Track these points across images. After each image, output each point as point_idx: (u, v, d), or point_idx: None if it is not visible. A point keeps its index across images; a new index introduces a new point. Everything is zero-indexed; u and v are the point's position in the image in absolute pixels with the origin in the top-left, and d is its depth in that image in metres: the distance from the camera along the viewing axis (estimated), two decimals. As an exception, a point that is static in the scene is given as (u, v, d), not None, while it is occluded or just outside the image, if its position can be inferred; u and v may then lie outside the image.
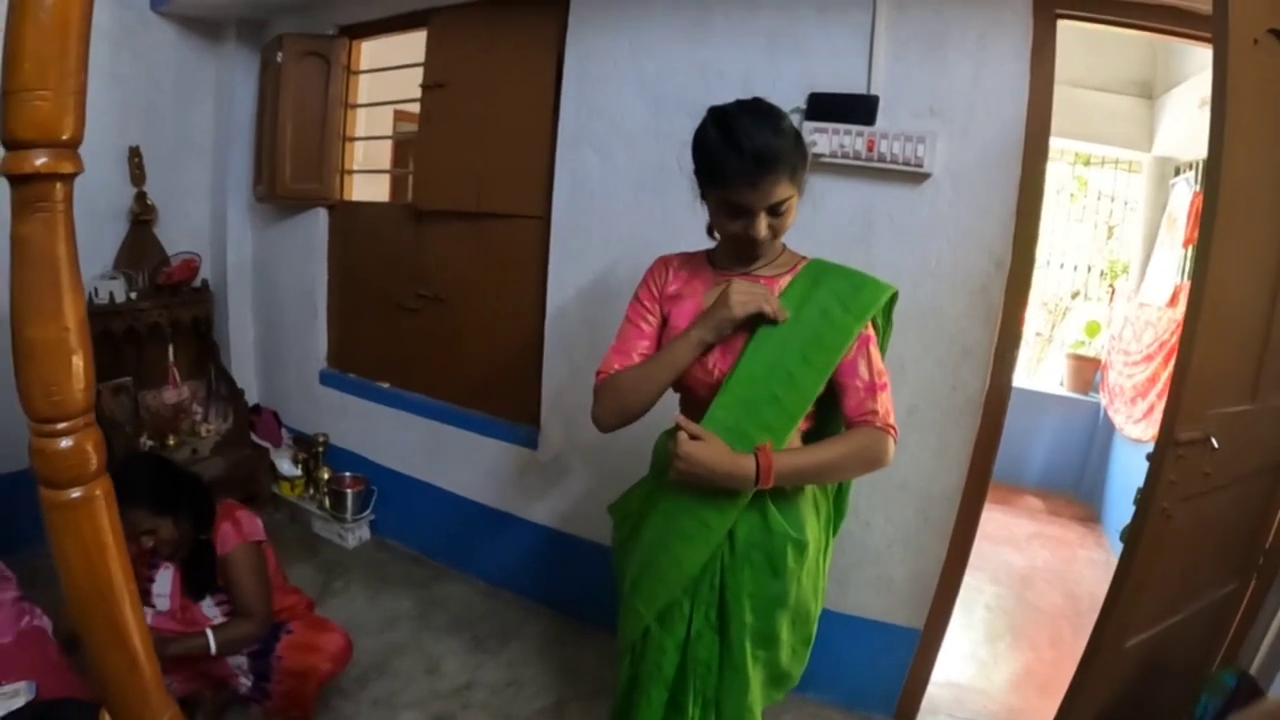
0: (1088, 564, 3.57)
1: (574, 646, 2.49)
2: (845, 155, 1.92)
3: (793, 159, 1.20)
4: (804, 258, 1.38)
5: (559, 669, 2.38)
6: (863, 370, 1.29)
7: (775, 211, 1.23)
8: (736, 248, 1.32)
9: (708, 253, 1.43)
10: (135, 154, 2.97)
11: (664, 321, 1.41)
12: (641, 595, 1.42)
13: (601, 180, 2.35)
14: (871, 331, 1.32)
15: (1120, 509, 3.77)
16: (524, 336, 2.65)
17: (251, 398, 3.52)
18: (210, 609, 2.05)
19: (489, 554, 2.88)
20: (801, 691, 2.18)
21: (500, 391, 2.82)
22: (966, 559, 2.11)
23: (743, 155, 1.17)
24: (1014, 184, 1.86)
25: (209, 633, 1.90)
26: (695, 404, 1.35)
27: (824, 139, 1.90)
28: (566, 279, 2.48)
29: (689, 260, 1.43)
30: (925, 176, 1.92)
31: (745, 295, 1.26)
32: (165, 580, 2.04)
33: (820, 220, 1.93)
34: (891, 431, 1.28)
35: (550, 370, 2.58)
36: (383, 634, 2.51)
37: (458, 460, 2.91)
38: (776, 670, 1.43)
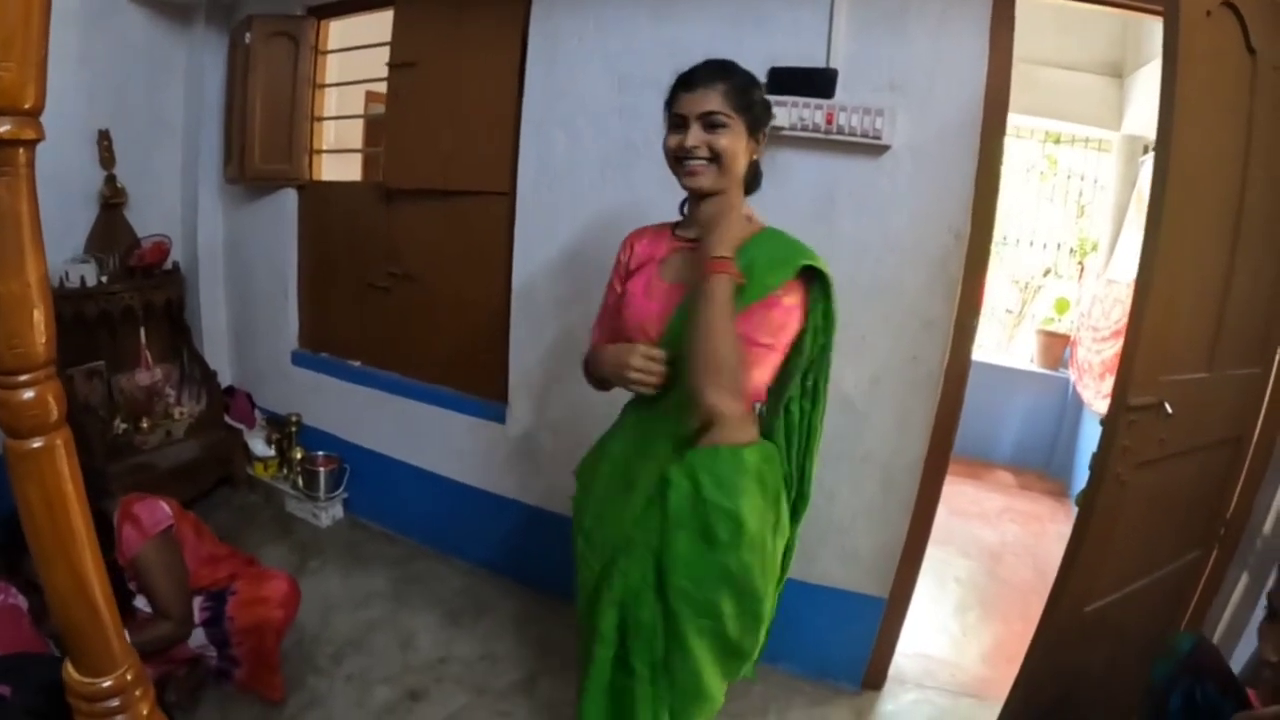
0: (1058, 539, 3.57)
1: (547, 621, 2.52)
2: (805, 128, 1.94)
3: (740, 87, 1.29)
4: (764, 227, 1.36)
5: (532, 643, 2.41)
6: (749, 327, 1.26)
7: (711, 124, 1.27)
8: (677, 171, 1.33)
9: (675, 223, 1.46)
10: (105, 137, 2.93)
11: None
12: (593, 544, 1.45)
13: (568, 158, 2.36)
14: (793, 303, 1.29)
15: (1089, 483, 3.85)
16: (491, 313, 2.67)
17: (225, 379, 3.51)
18: (144, 609, 1.96)
19: (463, 531, 2.90)
20: (770, 662, 2.24)
21: (469, 368, 2.83)
22: (929, 529, 2.16)
23: (691, 71, 1.31)
24: (973, 157, 1.88)
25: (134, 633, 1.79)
26: None
27: (784, 112, 1.91)
28: (532, 255, 2.49)
29: (655, 232, 1.48)
30: (884, 149, 1.94)
31: (636, 373, 1.29)
32: None
33: (784, 196, 1.94)
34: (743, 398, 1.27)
35: (517, 346, 2.60)
36: (357, 611, 2.53)
37: (429, 437, 2.93)
38: (724, 641, 1.37)
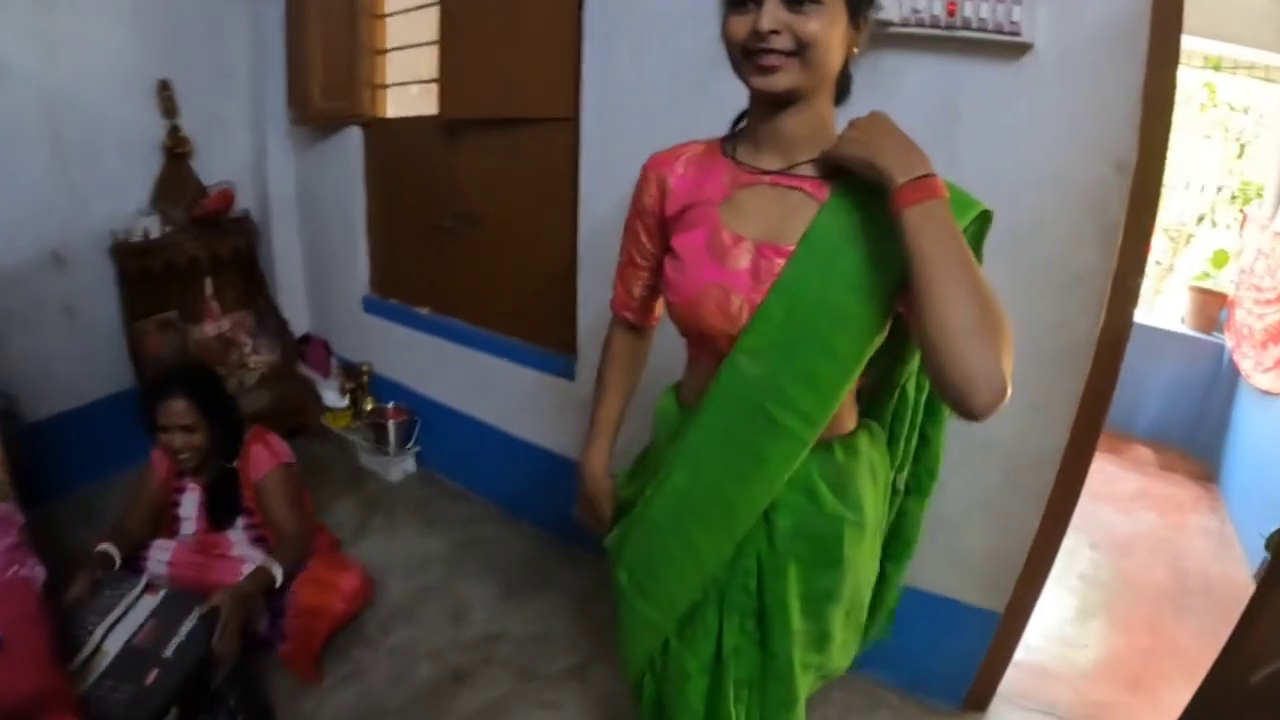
0: (1199, 533, 3.11)
1: (610, 601, 2.28)
2: (919, 21, 1.51)
3: None
4: None
5: (592, 625, 2.21)
6: None
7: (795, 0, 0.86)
8: (742, 68, 0.93)
9: (723, 140, 1.07)
10: (165, 86, 2.83)
11: (669, 247, 1.08)
12: (652, 598, 1.14)
13: (636, 76, 2.04)
14: None
15: (1243, 468, 3.30)
16: (559, 257, 2.41)
17: (302, 327, 3.45)
18: (237, 534, 2.04)
19: (530, 493, 2.72)
20: (855, 668, 1.95)
21: (537, 317, 2.61)
22: (1061, 534, 1.76)
23: None
24: (1140, 63, 1.43)
25: (270, 565, 1.89)
26: (709, 357, 1.04)
27: (893, 2, 1.51)
28: (600, 190, 2.21)
29: (697, 159, 1.07)
30: (1023, 50, 1.50)
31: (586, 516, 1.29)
32: (191, 503, 2.04)
33: (892, 111, 1.58)
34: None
35: (586, 294, 2.34)
36: (413, 576, 2.40)
37: (496, 391, 2.74)
38: (827, 671, 1.17)
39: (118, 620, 1.66)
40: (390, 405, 3.06)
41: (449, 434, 2.97)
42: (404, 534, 2.65)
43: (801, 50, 0.88)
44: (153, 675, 1.56)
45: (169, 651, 1.61)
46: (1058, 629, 2.36)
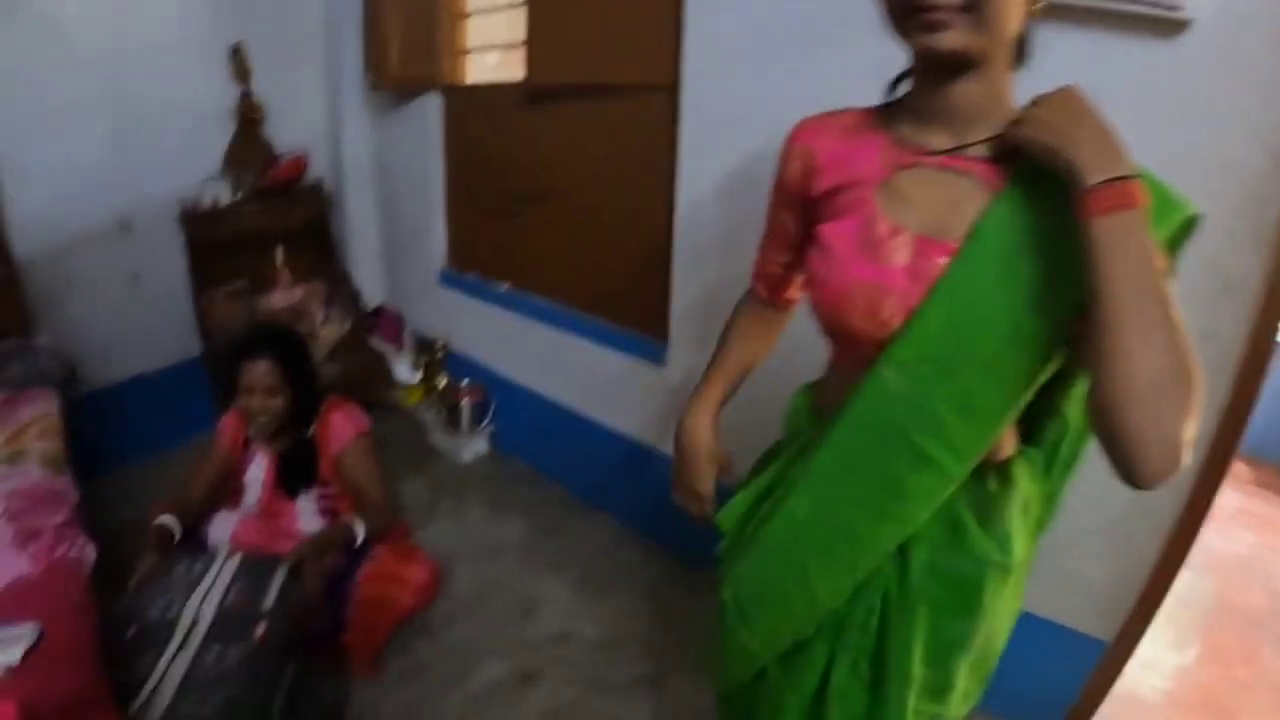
0: (1299, 557, 2.83)
1: (691, 604, 2.17)
2: None
3: None
4: None
5: (668, 628, 2.10)
6: None
7: None
8: (902, 26, 0.76)
9: (878, 111, 0.91)
10: (237, 51, 2.79)
11: (811, 230, 0.93)
12: (755, 629, 1.02)
13: (744, 40, 1.84)
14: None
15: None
16: (652, 237, 2.26)
17: (375, 299, 3.42)
18: (305, 504, 1.99)
19: (611, 484, 2.61)
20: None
21: (626, 299, 2.47)
22: (1181, 563, 1.57)
23: None
24: None
25: (354, 521, 1.89)
26: (853, 362, 0.90)
27: None
28: (701, 165, 2.03)
29: (849, 130, 0.91)
30: (1181, 26, 1.28)
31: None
32: (258, 473, 2.00)
33: (1031, 90, 1.36)
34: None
35: (683, 278, 2.19)
36: (482, 565, 2.34)
37: (579, 374, 2.62)
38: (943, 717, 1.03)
39: (206, 592, 1.64)
40: (464, 383, 2.99)
41: (525, 415, 2.89)
42: (474, 519, 2.59)
43: (974, 5, 0.71)
44: (260, 629, 1.54)
45: (268, 604, 1.60)
46: (1152, 654, 2.16)
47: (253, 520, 1.95)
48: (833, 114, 0.94)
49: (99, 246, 2.63)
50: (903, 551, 0.91)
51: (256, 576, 1.68)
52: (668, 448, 2.25)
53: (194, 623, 1.55)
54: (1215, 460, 1.48)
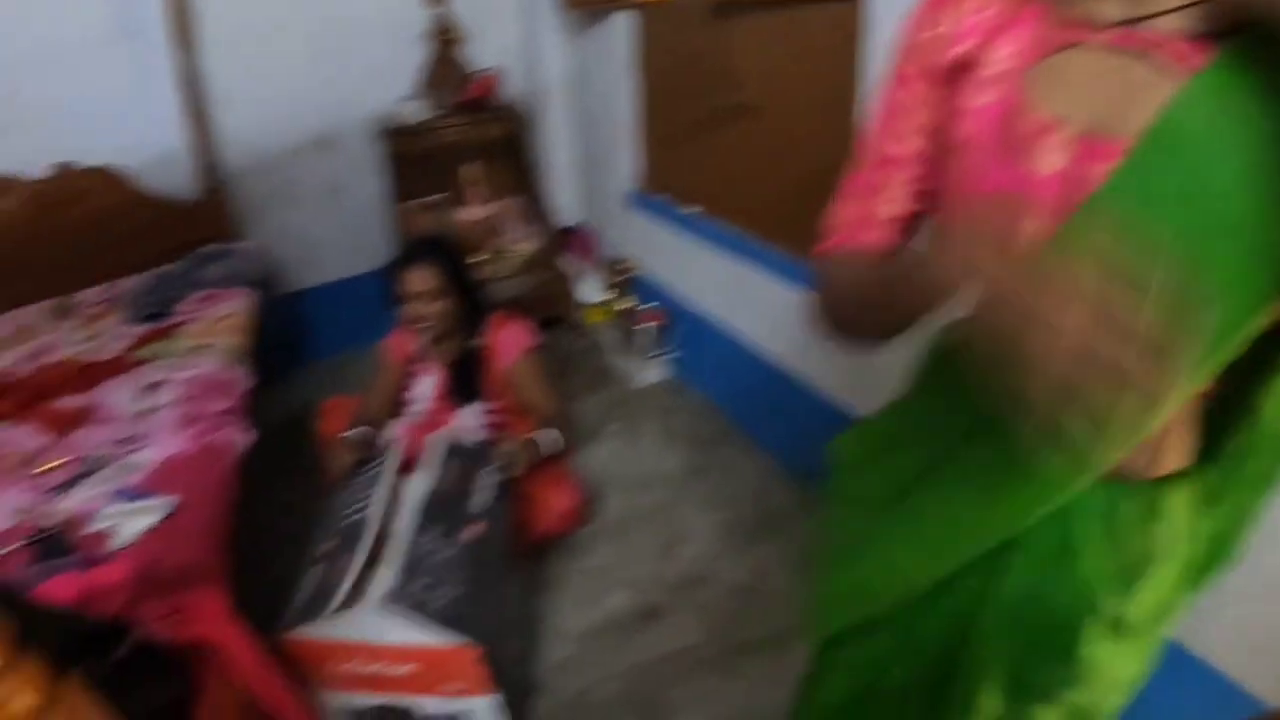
0: None
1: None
2: None
3: None
4: None
5: (809, 586, 1.89)
6: None
7: None
8: None
9: None
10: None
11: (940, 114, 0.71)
12: (825, 597, 0.91)
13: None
14: None
15: None
16: (837, 159, 1.95)
17: (571, 218, 3.43)
18: (469, 415, 2.02)
19: (778, 425, 2.42)
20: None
21: (808, 228, 2.19)
22: None
23: None
24: None
25: (539, 436, 1.87)
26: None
27: None
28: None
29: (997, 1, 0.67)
30: None
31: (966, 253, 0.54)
32: (427, 385, 2.04)
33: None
34: None
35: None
36: (635, 494, 2.27)
37: (763, 307, 2.42)
38: None
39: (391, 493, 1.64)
40: (645, 307, 2.91)
41: (705, 345, 2.75)
42: (640, 445, 2.53)
43: None
44: (479, 528, 1.57)
45: (484, 504, 1.65)
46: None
47: (417, 429, 2.01)
48: None
49: (301, 161, 2.85)
50: (999, 560, 0.69)
51: (470, 463, 1.74)
52: (841, 396, 2.01)
53: (386, 516, 1.56)
54: None
